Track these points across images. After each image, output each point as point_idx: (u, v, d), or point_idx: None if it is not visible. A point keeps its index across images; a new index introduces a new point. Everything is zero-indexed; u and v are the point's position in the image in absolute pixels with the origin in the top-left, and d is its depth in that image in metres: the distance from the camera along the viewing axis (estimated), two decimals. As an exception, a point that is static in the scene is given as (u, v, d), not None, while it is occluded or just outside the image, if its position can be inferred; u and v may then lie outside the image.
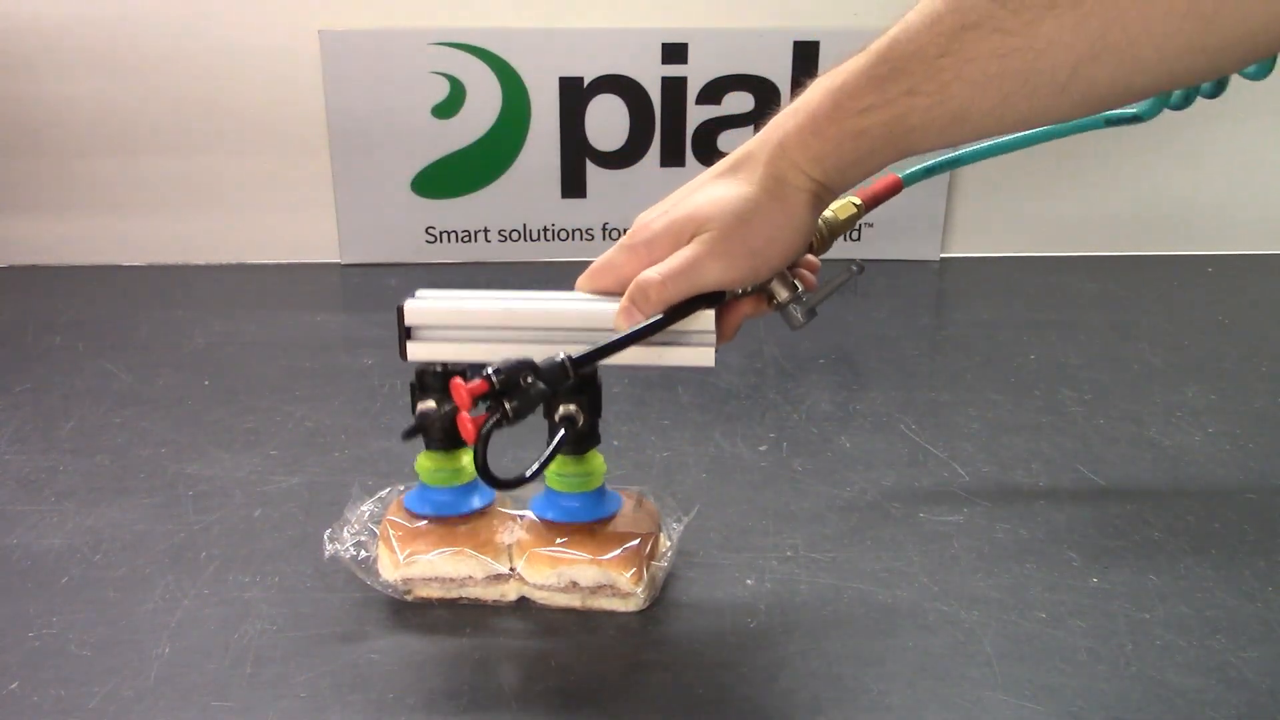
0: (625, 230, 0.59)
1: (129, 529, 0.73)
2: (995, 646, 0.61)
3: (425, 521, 0.65)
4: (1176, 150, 1.31)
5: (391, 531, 0.65)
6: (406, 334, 0.60)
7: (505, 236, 1.30)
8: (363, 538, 0.66)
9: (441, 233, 1.30)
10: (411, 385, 0.62)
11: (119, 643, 0.61)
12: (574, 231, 1.30)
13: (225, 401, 0.92)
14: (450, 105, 1.24)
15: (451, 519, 0.65)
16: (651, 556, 0.64)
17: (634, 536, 0.63)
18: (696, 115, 1.26)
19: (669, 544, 0.66)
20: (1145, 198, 1.33)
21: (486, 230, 1.30)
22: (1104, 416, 0.90)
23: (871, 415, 0.90)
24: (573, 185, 1.28)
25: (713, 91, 1.25)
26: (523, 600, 0.65)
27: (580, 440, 0.62)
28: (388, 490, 0.70)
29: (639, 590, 0.63)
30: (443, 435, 0.63)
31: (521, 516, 0.66)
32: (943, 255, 1.32)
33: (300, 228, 1.30)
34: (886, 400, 0.93)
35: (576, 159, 1.28)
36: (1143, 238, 1.35)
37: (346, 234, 1.29)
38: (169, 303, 1.17)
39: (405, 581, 0.64)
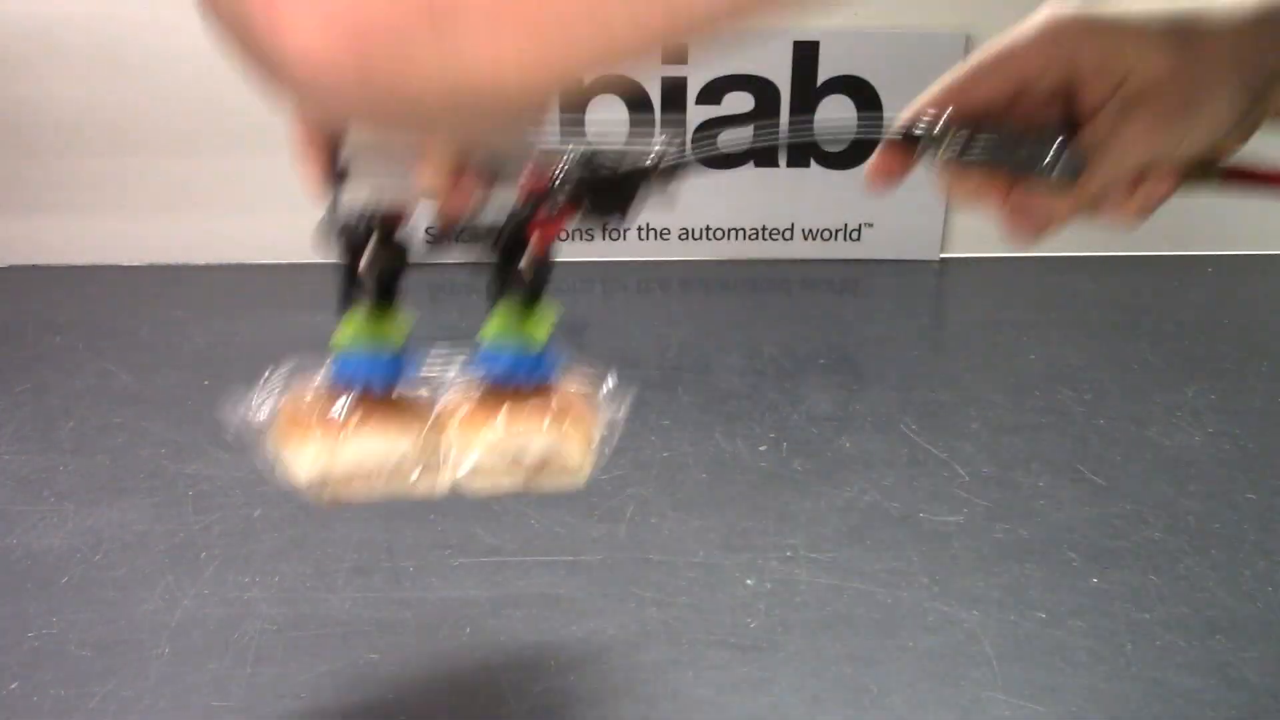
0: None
1: (129, 529, 0.73)
2: (995, 646, 0.61)
3: (342, 401, 0.56)
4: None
5: (303, 421, 0.56)
6: None
7: (505, 236, 1.30)
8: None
9: (441, 233, 1.30)
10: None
11: (119, 643, 0.61)
12: (574, 231, 1.30)
13: (225, 401, 0.92)
14: (450, 105, 1.24)
15: (371, 401, 0.56)
16: (592, 425, 0.56)
17: (577, 405, 0.56)
18: (696, 115, 1.26)
19: (604, 413, 0.58)
20: (1145, 198, 1.33)
21: (486, 230, 1.30)
22: (1104, 416, 0.90)
23: (871, 415, 0.90)
24: (573, 185, 1.28)
25: (713, 91, 1.25)
26: (456, 490, 0.56)
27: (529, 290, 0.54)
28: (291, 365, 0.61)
29: (585, 463, 0.55)
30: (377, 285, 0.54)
31: (449, 387, 0.57)
32: (943, 255, 1.32)
33: (300, 228, 1.29)
34: (886, 400, 0.93)
35: (576, 159, 1.27)
36: (1143, 238, 1.35)
37: (346, 234, 1.29)
38: (169, 303, 1.17)
39: (321, 478, 0.56)
